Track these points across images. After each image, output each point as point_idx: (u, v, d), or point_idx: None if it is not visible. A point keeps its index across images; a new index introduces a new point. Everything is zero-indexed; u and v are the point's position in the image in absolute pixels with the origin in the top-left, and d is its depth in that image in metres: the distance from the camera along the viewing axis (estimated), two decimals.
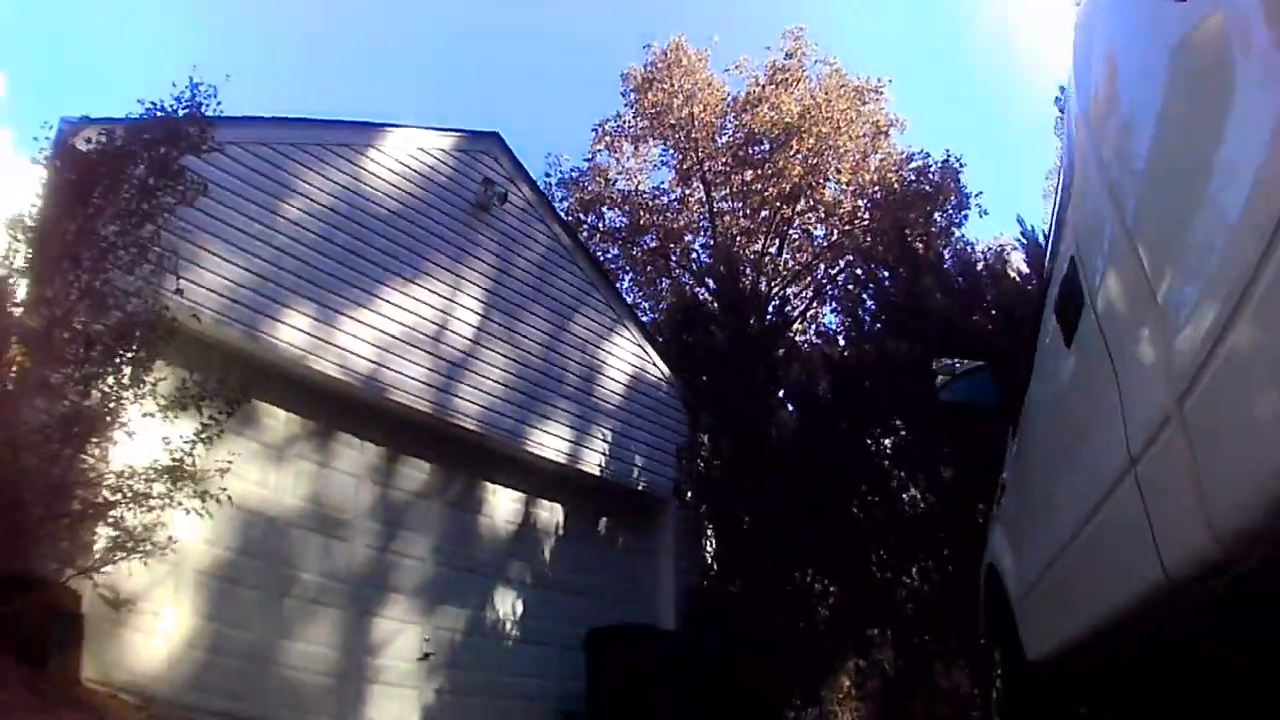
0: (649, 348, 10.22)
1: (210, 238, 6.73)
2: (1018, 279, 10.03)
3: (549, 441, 8.77)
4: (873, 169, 18.84)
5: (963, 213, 18.73)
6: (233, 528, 6.56)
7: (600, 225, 20.40)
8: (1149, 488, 1.49)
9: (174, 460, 5.40)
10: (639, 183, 20.94)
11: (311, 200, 7.59)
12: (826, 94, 18.64)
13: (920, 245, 15.93)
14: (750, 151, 18.94)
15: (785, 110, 17.99)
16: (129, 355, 5.59)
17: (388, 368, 7.67)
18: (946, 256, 10.98)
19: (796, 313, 19.54)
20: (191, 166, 6.17)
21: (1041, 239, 10.68)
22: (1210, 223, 1.24)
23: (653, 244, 20.28)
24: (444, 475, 8.17)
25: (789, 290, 19.45)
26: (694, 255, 20.34)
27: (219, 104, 6.31)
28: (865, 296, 10.86)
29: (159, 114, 6.05)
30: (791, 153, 18.11)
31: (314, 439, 7.38)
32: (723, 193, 19.86)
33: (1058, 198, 2.67)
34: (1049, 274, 2.62)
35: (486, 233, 8.96)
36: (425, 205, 8.48)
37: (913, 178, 18.73)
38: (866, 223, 18.55)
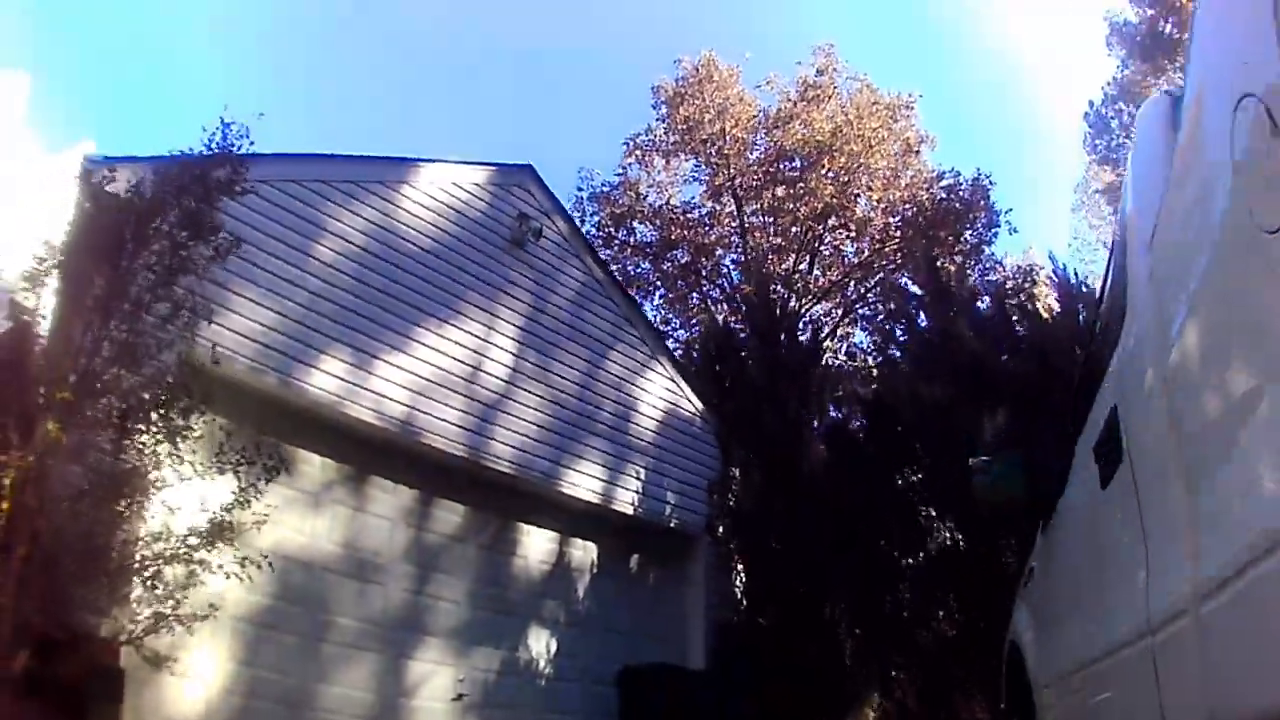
0: (681, 382, 10.04)
1: (243, 282, 6.62)
2: (1049, 317, 9.71)
3: (583, 481, 8.63)
4: (903, 186, 18.52)
5: (992, 230, 18.42)
6: (270, 574, 6.50)
7: (631, 240, 20.26)
8: (1162, 660, 1.54)
9: (212, 523, 5.34)
10: (670, 196, 20.76)
11: (344, 240, 7.49)
12: (858, 110, 18.32)
13: (951, 267, 15.73)
14: (781, 168, 18.68)
15: (817, 128, 17.70)
16: (163, 412, 5.54)
17: (422, 411, 7.57)
18: (978, 286, 10.56)
19: (827, 332, 19.29)
20: (224, 208, 6.09)
21: (1072, 277, 10.35)
22: (1256, 443, 1.17)
23: (683, 259, 20.09)
24: (478, 517, 8.06)
25: (820, 307, 19.21)
26: (724, 271, 20.14)
27: (251, 143, 6.24)
28: (896, 331, 10.56)
29: (190, 160, 6.01)
30: (823, 171, 17.84)
31: (349, 483, 7.30)
32: (754, 207, 19.61)
33: (1103, 319, 2.57)
34: (1085, 383, 2.60)
35: (521, 269, 8.82)
36: (459, 242, 8.36)
37: (943, 195, 18.41)
38: (897, 241, 18.27)
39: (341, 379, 7.11)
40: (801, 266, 18.91)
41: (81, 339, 5.60)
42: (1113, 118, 20.32)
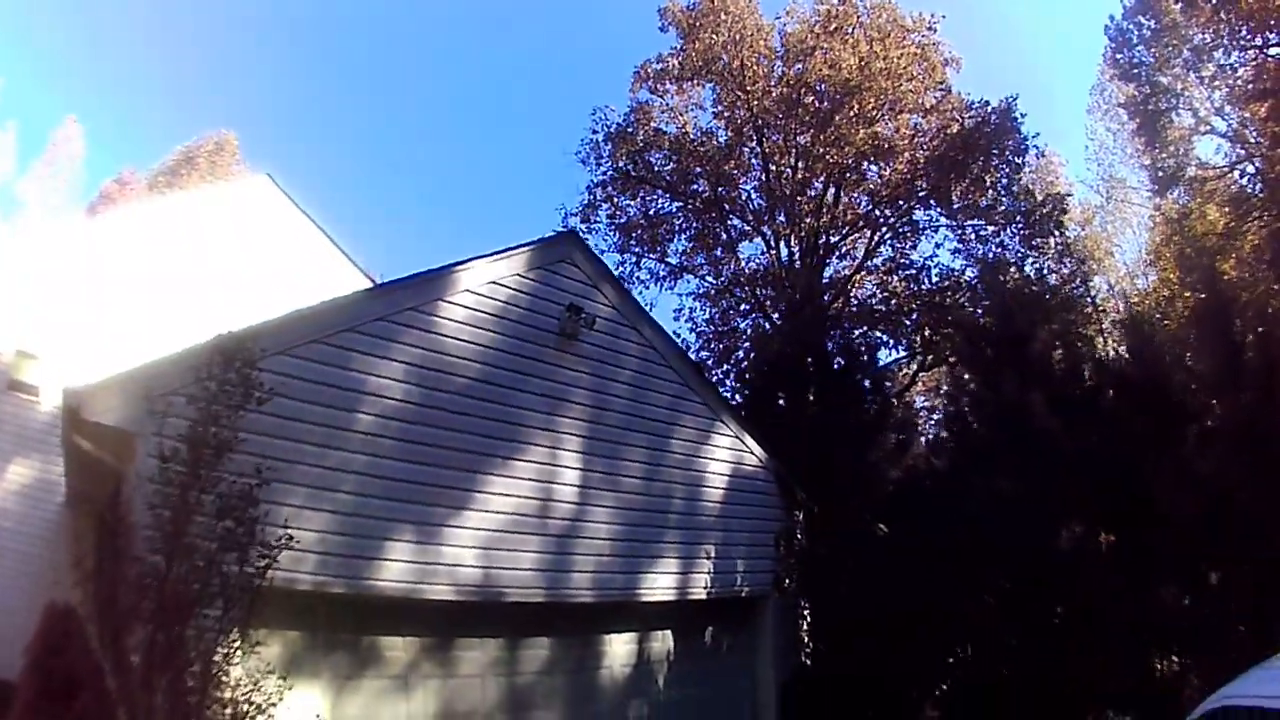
0: (746, 437, 9.19)
1: (283, 489, 5.79)
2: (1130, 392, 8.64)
3: (659, 582, 8.01)
4: (931, 114, 16.77)
5: (1021, 157, 16.88)
6: None
7: (649, 175, 18.58)
8: None
9: None
10: (685, 124, 18.88)
11: (384, 395, 6.35)
12: (882, 38, 16.22)
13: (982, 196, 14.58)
14: (806, 104, 16.76)
15: (844, 66, 15.66)
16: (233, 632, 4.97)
17: (497, 567, 6.83)
18: (1057, 357, 9.32)
19: (855, 265, 18.11)
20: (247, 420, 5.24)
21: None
22: None
23: (704, 192, 18.54)
24: (561, 646, 7.48)
25: (849, 244, 17.94)
26: (746, 200, 18.59)
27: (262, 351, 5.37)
28: (966, 410, 9.39)
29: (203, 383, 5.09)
30: (851, 113, 15.99)
31: (435, 654, 6.63)
32: (775, 137, 17.85)
33: None
34: None
35: (576, 362, 7.76)
36: (508, 355, 7.24)
37: (973, 124, 16.67)
38: (925, 173, 16.71)
39: (410, 562, 6.30)
40: (828, 198, 17.44)
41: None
42: (1132, 30, 18.46)
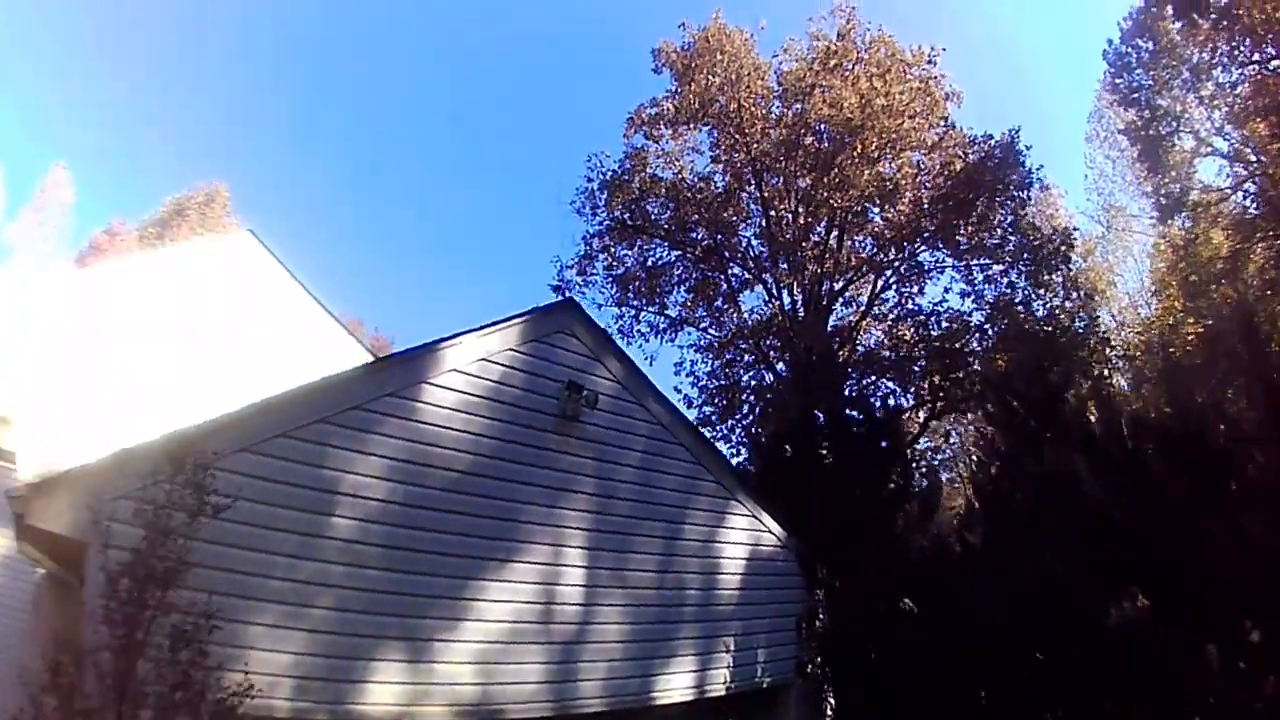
0: (763, 515, 8.48)
1: (258, 604, 5.11)
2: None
3: (675, 682, 7.24)
4: (933, 150, 16.33)
5: (1026, 191, 16.42)
6: None
7: (646, 223, 18.02)
8: None
9: None
10: (681, 169, 18.35)
11: (363, 495, 5.66)
12: (882, 73, 15.82)
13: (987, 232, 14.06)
14: (806, 145, 16.29)
15: (845, 105, 15.22)
16: None
17: (497, 682, 6.08)
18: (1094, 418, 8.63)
19: (860, 313, 17.53)
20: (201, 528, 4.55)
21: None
22: None
23: (704, 240, 18.00)
24: None
25: (852, 292, 17.37)
26: (746, 247, 18.03)
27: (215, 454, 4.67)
28: (999, 476, 8.62)
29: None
30: (855, 154, 15.51)
31: None
32: (775, 181, 17.35)
33: None
34: None
35: (579, 446, 7.06)
36: (502, 442, 6.54)
37: (977, 159, 16.22)
38: (930, 212, 16.20)
39: (400, 683, 5.61)
40: (830, 242, 16.88)
41: None
42: (1131, 54, 18.26)
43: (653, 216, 17.86)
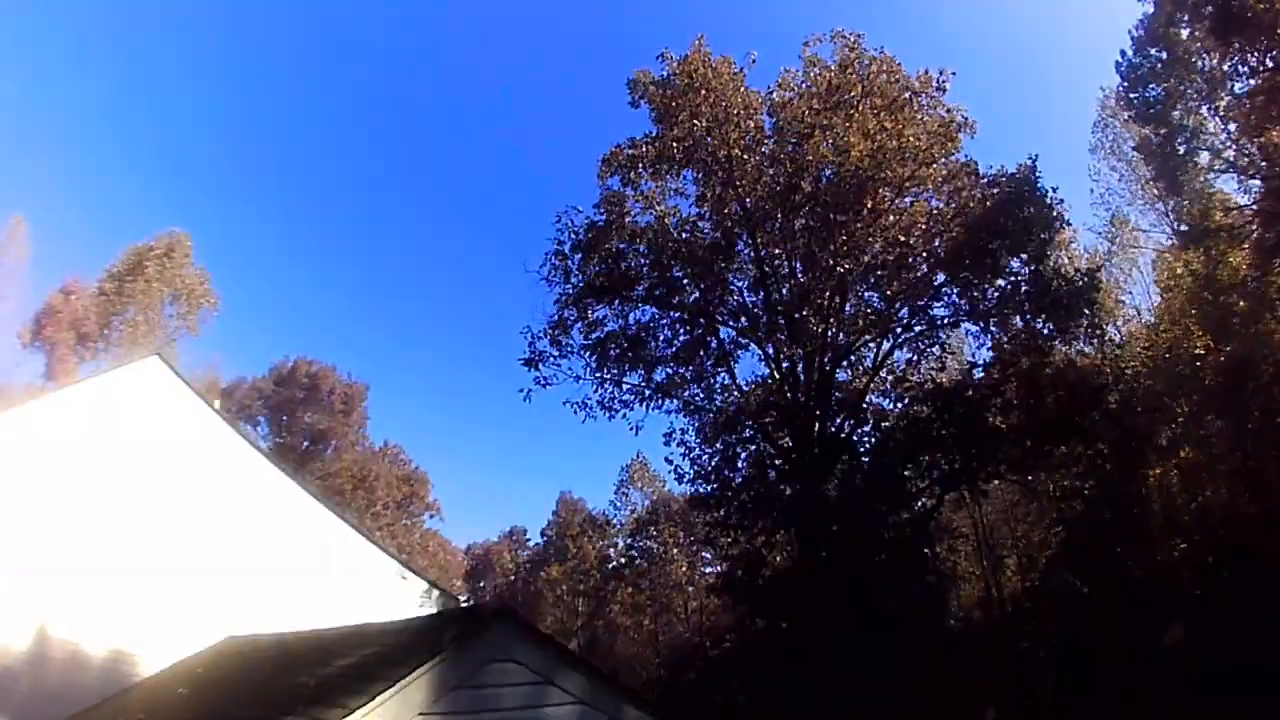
0: None
1: None
2: None
3: None
4: (950, 201, 14.43)
5: (1049, 232, 14.53)
6: None
7: (625, 282, 15.70)
8: None
9: None
10: (663, 214, 16.10)
11: None
12: (890, 107, 13.82)
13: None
14: (806, 191, 14.26)
15: (855, 152, 13.16)
16: None
17: None
18: None
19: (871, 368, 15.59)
20: None
21: None
22: None
23: (692, 299, 15.94)
24: None
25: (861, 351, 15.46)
26: (740, 301, 15.96)
27: None
28: None
29: None
30: (865, 210, 13.56)
31: None
32: (771, 226, 15.25)
33: None
34: None
35: None
36: None
37: (994, 198, 14.30)
38: (945, 256, 14.29)
39: None
40: (834, 303, 14.92)
41: None
42: (1144, 65, 16.70)
43: (632, 273, 15.72)
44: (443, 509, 40.66)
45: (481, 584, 47.70)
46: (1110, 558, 15.44)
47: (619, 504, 35.02)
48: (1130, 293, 24.07)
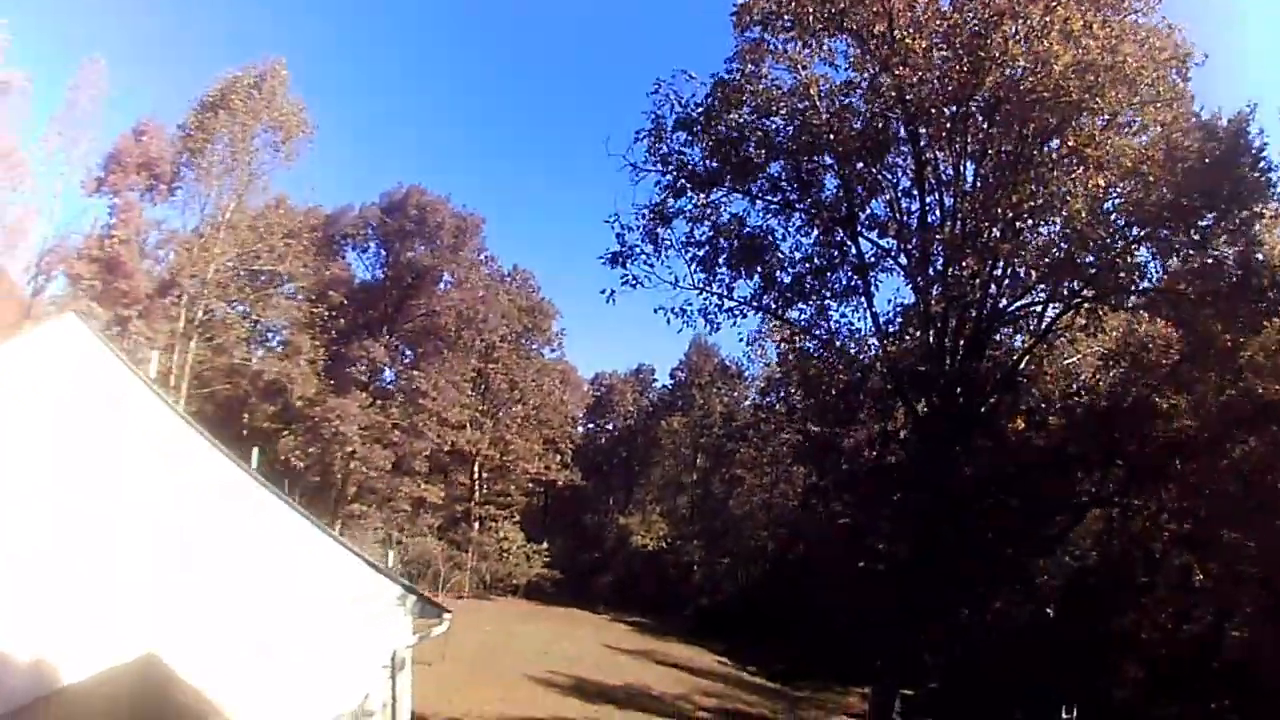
0: None
1: None
2: None
3: None
4: (1161, 147, 10.77)
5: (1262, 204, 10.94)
6: None
7: (750, 164, 13.25)
8: None
9: None
10: (809, 80, 13.13)
11: None
12: (1100, 6, 10.15)
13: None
14: (989, 99, 11.02)
15: (1059, 65, 9.70)
16: None
17: None
18: None
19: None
20: None
21: None
22: None
23: (829, 198, 13.36)
24: None
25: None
26: (894, 217, 13.23)
27: None
28: None
29: None
30: (1068, 144, 10.25)
31: None
32: (940, 126, 12.10)
33: None
34: None
35: None
36: None
37: (1212, 147, 10.69)
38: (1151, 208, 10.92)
39: None
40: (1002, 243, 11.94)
41: None
42: None
43: (755, 159, 13.17)
44: (564, 344, 39.92)
45: (604, 421, 47.22)
46: None
47: (752, 356, 32.87)
48: None
